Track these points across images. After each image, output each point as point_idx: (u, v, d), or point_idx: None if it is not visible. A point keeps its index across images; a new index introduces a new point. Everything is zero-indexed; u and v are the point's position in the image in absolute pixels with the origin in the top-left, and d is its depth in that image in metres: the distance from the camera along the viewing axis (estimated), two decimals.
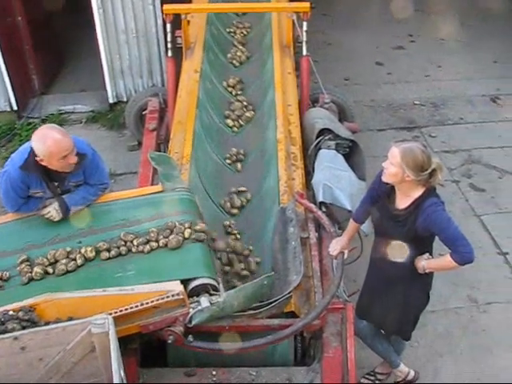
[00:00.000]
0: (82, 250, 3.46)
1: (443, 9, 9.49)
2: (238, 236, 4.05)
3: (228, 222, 4.15)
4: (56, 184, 3.72)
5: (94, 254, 3.45)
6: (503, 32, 9.17)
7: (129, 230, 3.61)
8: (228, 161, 4.71)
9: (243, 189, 4.45)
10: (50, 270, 3.40)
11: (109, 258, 3.45)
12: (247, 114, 5.13)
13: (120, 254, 3.46)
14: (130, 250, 3.48)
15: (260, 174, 4.55)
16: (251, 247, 3.95)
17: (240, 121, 5.06)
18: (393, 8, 9.24)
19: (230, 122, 5.05)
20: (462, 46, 9.02)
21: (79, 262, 3.42)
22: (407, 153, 3.35)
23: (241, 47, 5.99)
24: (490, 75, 8.32)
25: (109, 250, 3.47)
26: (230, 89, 5.45)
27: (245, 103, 5.23)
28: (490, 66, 8.52)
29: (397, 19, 9.31)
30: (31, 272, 3.37)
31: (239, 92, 5.40)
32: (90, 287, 3.18)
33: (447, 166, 6.60)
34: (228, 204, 4.34)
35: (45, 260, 3.44)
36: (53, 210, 3.69)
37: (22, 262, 3.45)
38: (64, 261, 3.42)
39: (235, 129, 5.03)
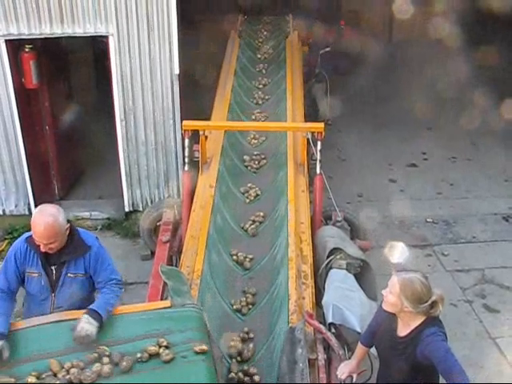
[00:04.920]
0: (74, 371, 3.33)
1: (454, 128, 9.75)
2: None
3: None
4: (53, 269, 3.74)
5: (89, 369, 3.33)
6: None
7: (131, 345, 3.54)
8: (235, 306, 4.42)
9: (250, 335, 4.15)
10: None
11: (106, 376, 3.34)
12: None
13: (119, 372, 3.35)
14: (130, 367, 3.39)
15: (269, 320, 4.28)
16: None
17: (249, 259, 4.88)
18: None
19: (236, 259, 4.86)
20: (473, 164, 9.21)
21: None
22: (406, 284, 3.35)
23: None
24: (502, 194, 8.44)
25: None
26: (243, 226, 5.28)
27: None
28: (502, 185, 8.67)
29: (410, 137, 9.55)
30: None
31: (253, 226, 5.23)
32: None
33: (460, 286, 6.57)
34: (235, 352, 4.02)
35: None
36: (85, 324, 3.50)
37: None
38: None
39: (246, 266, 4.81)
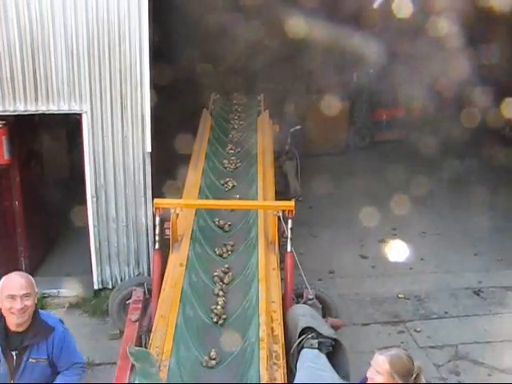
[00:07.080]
0: None
1: (425, 202, 9.94)
2: None
3: None
4: (14, 354, 3.59)
5: None
6: (481, 225, 9.48)
7: None
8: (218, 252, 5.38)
9: None
10: None
11: None
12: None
13: None
14: None
15: (244, 260, 4.89)
16: None
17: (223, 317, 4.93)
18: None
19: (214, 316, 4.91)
20: (442, 238, 9.32)
21: None
22: (396, 360, 3.33)
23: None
24: (472, 268, 8.50)
25: None
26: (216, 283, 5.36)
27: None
28: (471, 259, 8.75)
29: (380, 213, 9.66)
30: None
31: (224, 286, 5.31)
32: None
33: (433, 363, 6.51)
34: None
35: None
36: None
37: None
38: None
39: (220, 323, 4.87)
